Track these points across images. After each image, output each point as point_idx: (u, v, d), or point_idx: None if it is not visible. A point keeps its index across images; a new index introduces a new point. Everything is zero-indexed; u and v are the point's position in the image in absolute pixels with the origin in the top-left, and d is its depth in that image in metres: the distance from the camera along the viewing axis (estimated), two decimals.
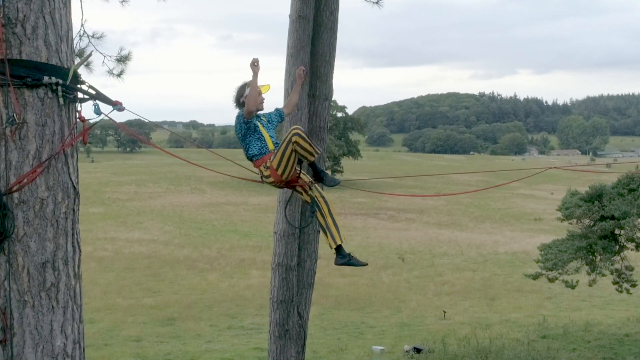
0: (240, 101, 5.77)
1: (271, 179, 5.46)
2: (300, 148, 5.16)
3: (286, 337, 9.97)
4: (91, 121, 4.09)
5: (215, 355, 19.27)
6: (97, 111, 4.06)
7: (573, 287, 20.47)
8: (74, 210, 3.90)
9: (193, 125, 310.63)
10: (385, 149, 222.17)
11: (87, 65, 10.40)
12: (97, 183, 74.76)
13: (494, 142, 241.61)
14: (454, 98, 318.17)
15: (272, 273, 10.14)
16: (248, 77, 5.66)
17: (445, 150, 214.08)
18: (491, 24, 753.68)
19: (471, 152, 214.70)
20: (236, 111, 5.79)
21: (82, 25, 10.01)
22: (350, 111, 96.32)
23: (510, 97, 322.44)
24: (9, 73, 3.61)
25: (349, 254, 5.53)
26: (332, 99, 10.47)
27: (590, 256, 20.08)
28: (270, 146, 5.53)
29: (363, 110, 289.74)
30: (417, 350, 19.33)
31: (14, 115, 3.63)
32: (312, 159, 5.31)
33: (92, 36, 10.18)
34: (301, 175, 5.58)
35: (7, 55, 3.64)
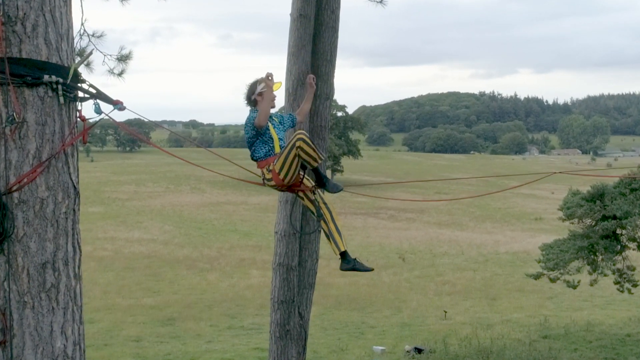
0: (251, 99, 5.69)
1: (273, 182, 5.42)
2: (303, 153, 5.12)
3: (287, 338, 9.93)
4: (91, 120, 4.06)
5: (215, 355, 19.24)
6: (98, 110, 4.03)
7: (575, 287, 20.44)
8: (74, 210, 3.87)
9: (193, 124, 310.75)
10: (385, 148, 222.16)
11: (88, 65, 10.37)
12: (96, 182, 74.75)
13: (494, 142, 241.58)
14: (454, 97, 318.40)
15: (272, 273, 10.10)
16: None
17: (445, 149, 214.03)
18: (491, 23, 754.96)
19: (471, 152, 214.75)
20: (246, 109, 5.73)
21: (82, 24, 9.98)
22: (350, 110, 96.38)
23: (511, 97, 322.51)
24: (9, 72, 3.58)
25: (354, 259, 5.57)
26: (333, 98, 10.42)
27: (592, 256, 20.05)
28: (277, 149, 5.48)
29: (363, 109, 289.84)
30: (418, 351, 19.29)
31: (14, 114, 3.60)
32: (315, 164, 5.27)
33: (93, 35, 10.15)
34: (304, 180, 5.54)
35: (7, 53, 3.61)
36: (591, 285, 21.08)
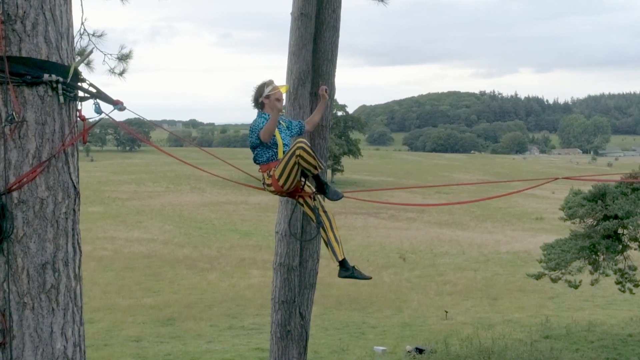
0: (259, 101, 5.64)
1: (272, 188, 5.39)
2: (303, 161, 5.09)
3: (288, 338, 9.91)
4: (91, 120, 4.03)
5: (215, 355, 19.22)
6: (98, 110, 4.00)
7: (576, 287, 20.43)
8: (74, 210, 3.84)
9: (193, 124, 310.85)
10: (385, 147, 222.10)
11: (88, 64, 10.34)
12: (96, 182, 74.75)
13: (494, 141, 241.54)
14: (454, 97, 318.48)
15: (273, 273, 10.08)
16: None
17: (445, 149, 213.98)
18: (492, 22, 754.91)
19: (472, 151, 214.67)
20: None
21: (82, 23, 9.94)
22: (350, 110, 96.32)
23: (511, 96, 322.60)
24: (8, 70, 3.55)
25: (353, 267, 5.68)
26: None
27: (593, 256, 20.03)
28: (280, 154, 5.44)
29: (363, 109, 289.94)
30: (419, 351, 19.27)
31: (14, 113, 3.57)
32: (315, 172, 5.25)
33: (93, 35, 10.11)
34: (305, 187, 5.51)
35: (7, 52, 3.58)
36: (592, 284, 21.07)
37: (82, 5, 9.64)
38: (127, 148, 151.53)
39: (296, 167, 5.15)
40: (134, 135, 5.44)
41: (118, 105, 4.05)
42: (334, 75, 10.08)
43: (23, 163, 3.60)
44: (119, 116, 4.15)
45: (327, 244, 5.55)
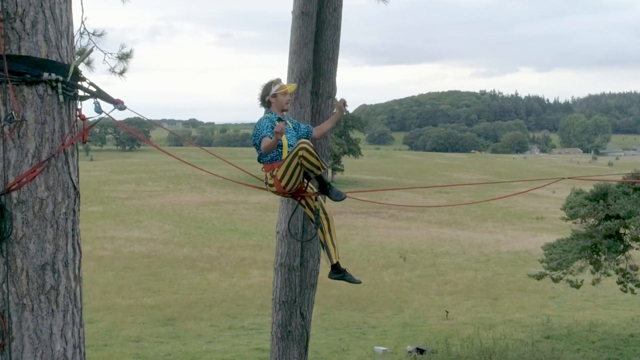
0: (265, 100, 5.59)
1: (274, 188, 5.35)
2: (306, 162, 5.06)
3: (289, 339, 9.87)
4: (91, 120, 4.00)
5: (216, 356, 19.20)
6: (98, 109, 3.97)
7: (578, 286, 20.41)
8: (74, 210, 3.81)
9: (192, 123, 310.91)
10: (385, 147, 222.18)
11: (88, 64, 10.30)
12: (96, 182, 74.74)
13: (495, 141, 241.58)
14: (455, 96, 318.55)
15: (274, 273, 10.04)
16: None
17: (446, 148, 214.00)
18: (492, 21, 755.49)
19: (472, 151, 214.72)
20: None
21: (82, 22, 9.89)
22: (350, 109, 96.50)
23: (512, 95, 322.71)
24: (8, 69, 3.52)
25: (344, 270, 5.65)
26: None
27: (595, 256, 20.00)
28: (284, 154, 5.39)
29: (364, 108, 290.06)
30: (420, 351, 19.24)
31: (13, 112, 3.55)
32: (318, 172, 5.22)
33: (93, 34, 10.07)
34: (308, 188, 5.47)
35: (6, 51, 3.56)
36: (593, 284, 21.04)
37: (82, 4, 9.60)
38: (127, 147, 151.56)
39: (299, 168, 5.11)
40: (134, 134, 5.41)
41: (118, 104, 4.01)
42: (335, 75, 10.04)
43: (22, 163, 3.57)
44: (118, 116, 4.12)
45: (324, 245, 5.55)
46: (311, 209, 5.55)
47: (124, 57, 10.56)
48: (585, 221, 20.66)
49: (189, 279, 31.39)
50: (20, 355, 3.60)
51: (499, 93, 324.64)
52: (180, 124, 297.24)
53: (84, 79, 3.89)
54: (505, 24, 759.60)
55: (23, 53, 3.59)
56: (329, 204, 5.74)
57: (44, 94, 3.64)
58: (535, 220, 57.53)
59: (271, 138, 5.22)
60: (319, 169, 5.15)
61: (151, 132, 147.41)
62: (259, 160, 5.50)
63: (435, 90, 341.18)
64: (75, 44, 5.16)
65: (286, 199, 9.61)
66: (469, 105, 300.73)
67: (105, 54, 10.43)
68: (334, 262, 5.56)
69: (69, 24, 3.86)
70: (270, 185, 5.38)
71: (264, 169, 5.47)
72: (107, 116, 4.03)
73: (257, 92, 5.67)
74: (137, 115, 4.80)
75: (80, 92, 3.88)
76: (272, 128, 5.34)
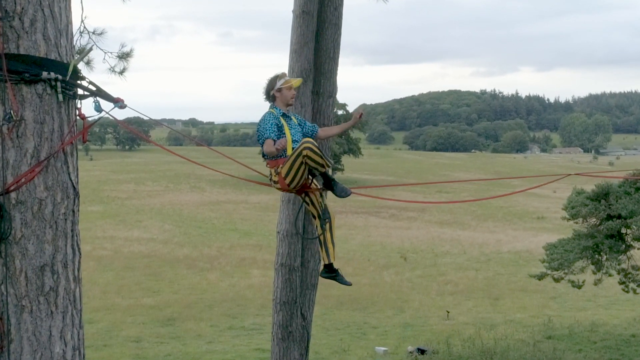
0: (270, 94, 5.57)
1: (278, 186, 5.32)
2: (311, 161, 5.07)
3: (289, 339, 9.83)
4: (91, 119, 3.98)
5: (216, 356, 19.17)
6: (98, 108, 3.94)
7: (579, 287, 20.37)
8: (73, 211, 3.78)
9: (192, 122, 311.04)
10: (386, 146, 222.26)
11: (88, 63, 10.26)
12: (95, 181, 74.76)
13: (495, 140, 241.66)
14: (455, 95, 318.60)
15: (275, 274, 10.01)
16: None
17: (446, 148, 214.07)
18: (493, 21, 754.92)
19: (473, 150, 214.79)
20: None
21: (82, 21, 9.85)
22: (351, 109, 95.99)
23: (512, 95, 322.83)
24: (6, 68, 3.50)
25: (337, 270, 5.75)
26: None
27: (597, 256, 19.96)
28: (289, 151, 5.37)
29: (364, 107, 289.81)
30: (421, 351, 19.20)
31: (12, 112, 3.53)
32: (323, 170, 5.22)
33: (93, 33, 10.03)
34: (312, 184, 5.46)
35: (4, 49, 3.54)
36: (595, 284, 21.00)
37: (81, 3, 9.56)
38: (127, 147, 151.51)
39: (303, 166, 5.11)
40: (135, 133, 5.38)
41: (118, 103, 3.98)
42: (335, 74, 10.01)
43: (21, 163, 3.55)
44: (119, 115, 4.09)
45: (323, 243, 5.58)
46: (315, 206, 5.54)
47: (124, 56, 10.53)
48: (587, 221, 20.62)
49: (189, 279, 31.37)
50: (19, 357, 3.59)
51: (500, 92, 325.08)
52: (180, 124, 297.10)
53: (83, 78, 3.87)
54: (506, 23, 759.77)
55: (22, 52, 3.57)
56: (330, 205, 5.72)
57: (43, 93, 3.62)
58: (536, 220, 57.50)
59: (274, 140, 5.23)
60: (323, 166, 5.14)
61: (151, 131, 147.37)
62: (263, 157, 5.47)
63: (435, 90, 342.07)
64: (74, 43, 5.11)
65: (287, 200, 9.58)
66: (469, 105, 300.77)
67: (105, 53, 10.40)
68: (331, 261, 5.63)
69: (68, 22, 3.83)
70: (275, 182, 5.36)
71: (268, 165, 5.44)
72: (107, 115, 4.00)
73: (259, 90, 5.67)
74: (137, 115, 4.78)
75: (80, 91, 3.86)
76: (276, 126, 5.33)
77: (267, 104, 5.60)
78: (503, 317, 24.66)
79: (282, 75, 5.53)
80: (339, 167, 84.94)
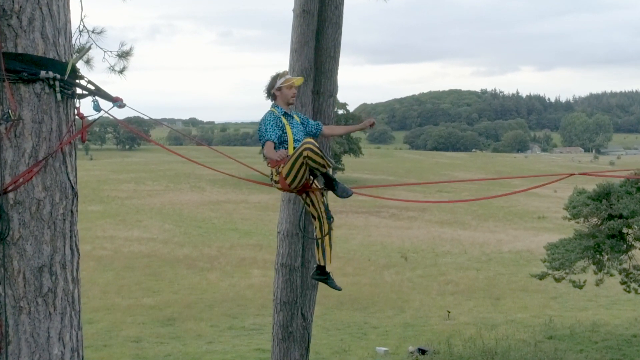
0: (271, 92, 5.54)
1: (279, 186, 5.29)
2: (312, 162, 5.03)
3: (290, 340, 9.81)
4: (90, 118, 3.95)
5: (216, 356, 19.14)
6: (97, 108, 3.92)
7: (581, 287, 20.33)
8: (72, 211, 3.75)
9: (192, 122, 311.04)
10: (386, 146, 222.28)
11: (88, 62, 10.23)
12: (95, 181, 74.76)
13: (496, 140, 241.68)
14: (455, 95, 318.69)
15: (275, 274, 9.98)
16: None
17: (447, 147, 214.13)
18: (493, 20, 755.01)
19: (473, 150, 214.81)
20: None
21: (81, 20, 9.82)
22: (351, 108, 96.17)
23: (513, 94, 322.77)
24: (4, 67, 3.47)
25: (329, 274, 5.76)
26: None
27: (598, 256, 19.92)
28: (291, 150, 5.34)
29: (364, 107, 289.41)
30: (422, 352, 19.15)
31: (9, 111, 3.51)
32: (324, 170, 5.18)
33: (92, 31, 9.99)
34: (313, 185, 5.42)
35: (2, 48, 3.51)
36: (597, 285, 20.97)
37: (81, 2, 9.51)
38: (127, 147, 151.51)
39: (304, 167, 5.07)
40: (135, 133, 5.35)
41: (117, 102, 3.95)
42: (336, 73, 9.99)
43: (19, 163, 3.53)
44: (118, 115, 4.06)
45: (320, 245, 5.57)
46: (315, 207, 5.51)
47: (123, 54, 10.50)
48: (588, 221, 20.58)
49: (189, 279, 31.33)
50: (17, 359, 3.55)
51: (500, 92, 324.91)
52: (180, 123, 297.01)
53: (82, 77, 3.84)
54: (506, 23, 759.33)
55: (20, 51, 3.54)
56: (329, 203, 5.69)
57: (41, 93, 3.59)
58: (537, 220, 57.46)
59: (275, 143, 5.25)
60: (324, 167, 5.10)
61: (151, 131, 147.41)
62: (264, 156, 5.44)
63: (436, 89, 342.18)
64: (74, 42, 5.07)
65: (287, 200, 9.55)
66: (469, 104, 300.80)
67: (104, 52, 10.36)
68: (327, 263, 5.62)
69: (67, 21, 3.80)
70: (276, 182, 5.32)
71: (269, 165, 5.41)
72: (105, 114, 3.97)
73: (259, 90, 5.65)
74: (137, 115, 4.75)
75: (79, 91, 3.83)
76: (276, 127, 5.31)
77: (269, 103, 5.57)
78: (504, 317, 24.62)
79: (283, 74, 5.50)
80: (340, 166, 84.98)
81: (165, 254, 37.59)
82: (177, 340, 21.01)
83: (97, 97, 3.91)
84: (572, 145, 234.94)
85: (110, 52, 10.33)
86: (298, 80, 5.55)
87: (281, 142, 5.32)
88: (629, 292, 20.72)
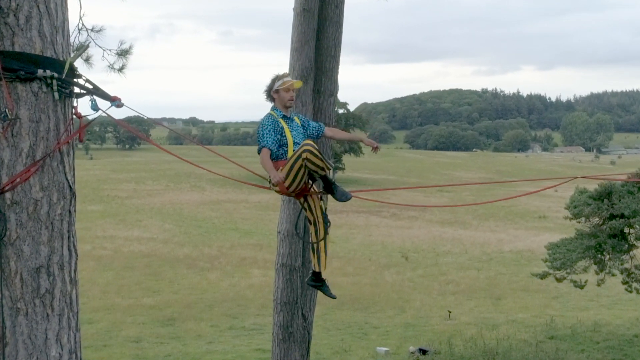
0: (270, 94, 5.49)
1: (277, 188, 5.24)
2: (311, 164, 4.98)
3: (290, 340, 9.77)
4: (89, 117, 3.92)
5: (216, 356, 19.13)
6: (95, 107, 3.88)
7: (582, 287, 20.30)
8: (69, 211, 3.72)
9: (193, 122, 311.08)
10: (387, 145, 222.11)
11: (87, 61, 10.18)
12: (95, 180, 74.79)
13: (496, 139, 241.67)
14: (456, 94, 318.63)
15: (275, 274, 9.95)
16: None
17: (447, 147, 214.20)
18: (494, 20, 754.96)
19: (474, 149, 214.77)
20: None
21: (80, 18, 9.77)
22: (351, 108, 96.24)
23: (513, 94, 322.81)
24: (1, 66, 3.45)
25: (324, 281, 5.69)
26: None
27: (599, 255, 19.90)
28: (290, 153, 5.28)
29: (365, 106, 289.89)
30: (423, 352, 19.14)
31: (6, 110, 3.48)
32: (323, 173, 5.14)
33: (92, 30, 9.95)
34: (312, 188, 5.38)
35: None
36: (598, 285, 20.94)
37: (80, 1, 9.46)
38: (127, 146, 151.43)
39: (302, 169, 5.02)
40: (134, 133, 5.32)
41: (115, 101, 3.92)
42: (337, 72, 9.95)
43: (16, 162, 3.50)
44: (118, 114, 4.02)
45: (315, 251, 5.51)
46: (312, 212, 5.45)
47: (123, 53, 10.46)
48: (590, 220, 20.57)
49: (189, 279, 31.32)
50: None
51: (501, 91, 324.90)
52: (180, 123, 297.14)
53: (80, 76, 3.81)
54: (507, 22, 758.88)
55: (17, 49, 3.51)
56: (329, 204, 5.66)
57: (38, 91, 3.56)
58: (538, 219, 57.45)
59: (271, 150, 5.20)
60: (323, 169, 5.05)
61: (151, 130, 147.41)
62: None
63: (436, 89, 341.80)
64: (73, 40, 5.04)
65: (287, 199, 9.51)
66: (470, 104, 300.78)
67: (104, 50, 10.32)
68: (322, 270, 5.56)
69: (65, 19, 3.77)
70: (274, 185, 5.27)
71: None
72: (103, 114, 3.94)
73: (259, 89, 5.61)
74: (136, 114, 4.71)
75: (77, 90, 3.80)
76: (274, 131, 5.25)
77: (269, 104, 5.53)
78: (505, 317, 24.59)
79: (282, 76, 5.43)
80: (340, 166, 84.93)
81: (165, 253, 37.58)
82: (177, 340, 20.99)
83: (95, 97, 3.87)
84: (573, 145, 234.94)
85: (110, 50, 10.29)
86: (297, 84, 5.50)
87: (280, 146, 5.27)
88: (630, 292, 20.70)
